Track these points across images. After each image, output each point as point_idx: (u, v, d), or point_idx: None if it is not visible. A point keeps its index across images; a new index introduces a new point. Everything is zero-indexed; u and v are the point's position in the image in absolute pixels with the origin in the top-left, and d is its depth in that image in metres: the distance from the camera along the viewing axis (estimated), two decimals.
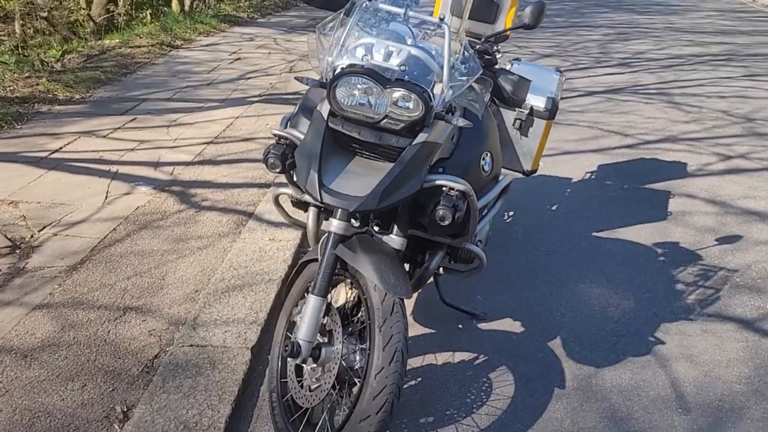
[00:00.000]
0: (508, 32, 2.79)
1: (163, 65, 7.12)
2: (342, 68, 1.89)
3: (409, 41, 1.98)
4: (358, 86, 1.86)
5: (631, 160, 4.88)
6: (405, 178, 1.89)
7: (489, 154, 2.22)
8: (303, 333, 2.00)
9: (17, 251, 3.19)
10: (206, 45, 8.31)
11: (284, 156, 2.04)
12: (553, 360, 2.63)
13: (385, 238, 2.15)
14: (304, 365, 2.09)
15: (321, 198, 1.88)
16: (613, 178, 4.49)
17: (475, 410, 2.35)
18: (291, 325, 2.28)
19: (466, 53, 1.97)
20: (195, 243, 3.36)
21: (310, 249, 2.29)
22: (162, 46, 7.85)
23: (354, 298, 2.16)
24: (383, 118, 1.88)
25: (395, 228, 2.16)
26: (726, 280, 3.21)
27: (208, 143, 4.82)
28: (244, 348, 2.57)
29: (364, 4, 1.98)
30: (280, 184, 2.55)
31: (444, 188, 1.97)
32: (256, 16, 10.88)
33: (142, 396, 2.30)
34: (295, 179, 2.39)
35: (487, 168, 2.20)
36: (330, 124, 1.96)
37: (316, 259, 2.17)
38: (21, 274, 3.01)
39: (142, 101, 5.73)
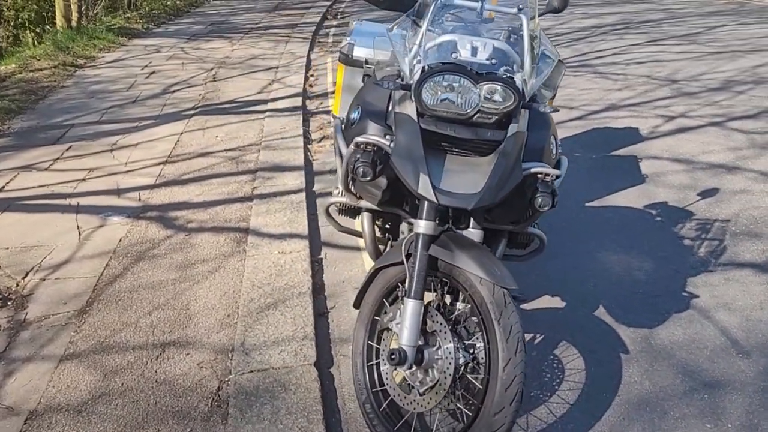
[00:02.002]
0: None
1: (74, 87, 6.68)
2: (430, 67, 1.88)
3: (486, 34, 2.01)
4: (451, 84, 1.86)
5: (586, 131, 5.14)
6: (511, 170, 1.92)
7: (553, 137, 2.28)
8: (406, 339, 1.99)
9: (9, 303, 2.92)
10: (112, 61, 7.87)
11: (374, 163, 1.99)
12: (606, 328, 2.75)
13: (465, 232, 2.16)
14: (407, 370, 2.07)
15: (438, 200, 1.86)
16: (580, 150, 4.72)
17: (557, 387, 2.42)
18: (371, 334, 2.25)
19: (542, 41, 2.01)
20: (203, 267, 3.21)
21: (386, 253, 2.26)
22: (65, 67, 7.36)
23: (440, 297, 2.15)
24: (476, 113, 1.89)
25: (472, 222, 2.18)
26: (724, 231, 3.48)
27: (163, 163, 4.59)
28: (308, 365, 2.50)
29: (440, 1, 1.97)
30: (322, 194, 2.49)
31: (540, 175, 2.01)
32: (150, 26, 10.42)
33: (226, 431, 2.19)
34: (351, 188, 2.36)
35: (554, 150, 2.26)
36: (422, 125, 1.94)
37: (391, 265, 2.16)
38: (25, 326, 2.75)
39: (70, 127, 5.36)
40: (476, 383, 1.98)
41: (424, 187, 1.86)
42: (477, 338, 2.03)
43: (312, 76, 7.33)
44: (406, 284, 2.04)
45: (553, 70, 2.55)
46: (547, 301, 2.95)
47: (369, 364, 2.24)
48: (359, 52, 3.08)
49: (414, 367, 2.05)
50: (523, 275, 3.14)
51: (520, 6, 1.95)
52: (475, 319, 2.04)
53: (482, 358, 2.01)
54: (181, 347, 2.62)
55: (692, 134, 4.94)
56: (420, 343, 2.06)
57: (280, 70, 7.37)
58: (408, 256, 2.08)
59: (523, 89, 1.89)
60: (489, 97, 1.86)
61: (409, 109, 1.97)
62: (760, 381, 2.42)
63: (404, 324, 2.00)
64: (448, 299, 2.13)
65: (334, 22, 11.27)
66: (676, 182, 4.10)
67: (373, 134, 2.11)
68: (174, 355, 2.58)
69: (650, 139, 4.87)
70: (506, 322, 1.90)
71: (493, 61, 1.91)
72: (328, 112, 5.98)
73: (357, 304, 2.33)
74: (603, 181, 4.17)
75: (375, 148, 2.02)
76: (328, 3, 13.14)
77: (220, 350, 2.60)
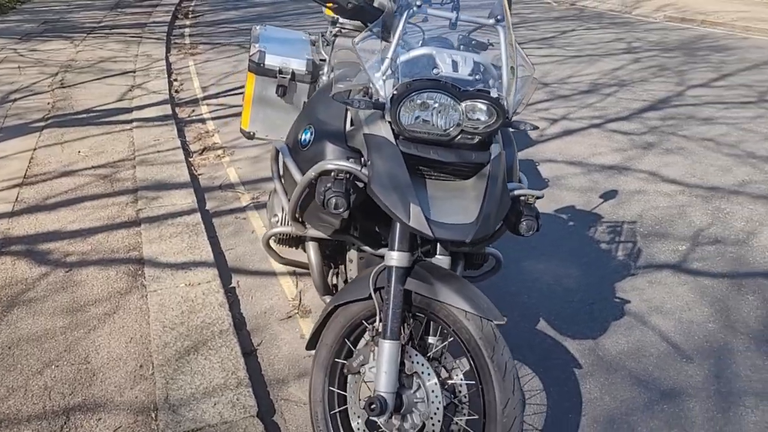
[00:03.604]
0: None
1: None
2: (408, 84, 1.70)
3: (461, 47, 1.87)
4: (433, 102, 1.69)
5: None
6: (501, 196, 1.78)
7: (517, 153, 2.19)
8: (384, 384, 1.80)
9: None
10: None
11: (348, 193, 1.76)
12: (553, 342, 2.72)
13: (433, 260, 2.00)
14: (378, 418, 1.87)
15: (433, 233, 1.67)
16: None
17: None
18: (332, 378, 2.03)
19: (519, 54, 1.89)
20: (96, 309, 2.78)
21: (345, 288, 2.04)
22: None
23: (416, 334, 1.97)
24: (458, 134, 1.74)
25: (439, 248, 2.02)
26: (634, 232, 3.62)
27: (18, 186, 4.00)
28: (250, 417, 2.22)
29: (412, 11, 1.79)
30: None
31: (523, 198, 1.90)
32: None
33: None
34: (299, 217, 2.13)
35: (518, 166, 2.16)
36: (402, 149, 1.75)
37: (350, 302, 1.95)
38: None
39: None
40: (466, 427, 1.83)
41: (416, 219, 1.67)
42: (458, 376, 1.89)
43: (176, 80, 6.82)
44: (379, 324, 1.85)
45: None
46: None
47: (332, 412, 2.02)
48: (272, 61, 2.84)
49: (391, 415, 1.85)
50: None
51: (499, 17, 1.83)
52: (451, 356, 1.90)
53: (465, 397, 1.88)
54: (90, 412, 2.22)
55: (578, 137, 5.15)
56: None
57: (138, 74, 6.78)
58: (376, 289, 1.88)
59: (506, 106, 1.77)
60: (471, 115, 1.72)
61: (383, 130, 1.77)
62: (709, 385, 2.49)
63: (381, 368, 1.80)
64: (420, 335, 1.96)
65: (187, 22, 10.66)
66: (576, 185, 4.23)
67: (334, 158, 1.89)
68: (82, 423, 2.18)
69: (541, 143, 5.01)
70: (500, 359, 1.77)
71: (477, 76, 1.77)
72: (203, 121, 5.57)
73: (311, 345, 2.09)
74: None
75: (348, 176, 1.80)
76: (175, 1, 12.42)
77: (139, 410, 2.24)
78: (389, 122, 1.76)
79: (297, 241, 2.45)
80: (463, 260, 2.23)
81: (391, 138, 1.75)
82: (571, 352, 2.66)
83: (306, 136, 2.05)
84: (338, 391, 2.02)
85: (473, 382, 1.82)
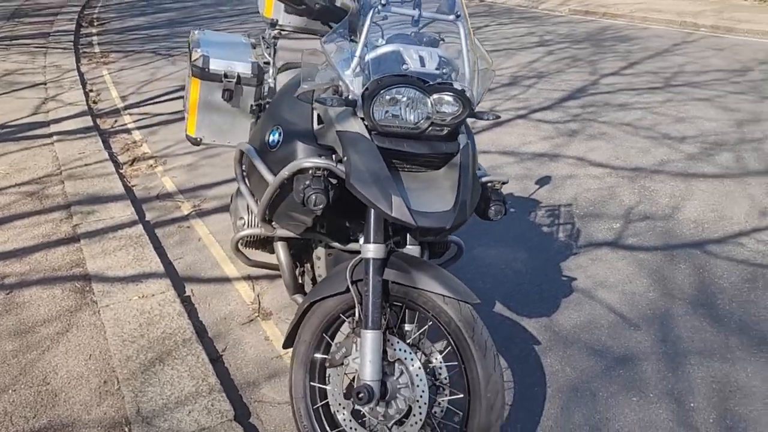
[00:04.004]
0: None
1: None
2: (379, 80, 1.76)
3: (423, 43, 1.94)
4: (404, 97, 1.76)
5: None
6: (473, 183, 1.87)
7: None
8: (369, 374, 1.85)
9: None
10: None
11: (326, 189, 1.81)
12: (511, 323, 2.85)
13: (405, 250, 2.08)
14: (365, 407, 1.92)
15: (416, 222, 1.74)
16: None
17: None
18: (312, 374, 2.06)
19: (477, 48, 1.98)
20: (46, 330, 2.69)
21: (319, 284, 2.07)
22: None
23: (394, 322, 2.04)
24: (429, 126, 1.82)
25: (408, 237, 2.10)
26: (571, 214, 3.82)
27: None
28: (228, 421, 2.22)
29: (377, 9, 1.84)
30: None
31: (489, 184, 2.00)
32: None
33: None
34: (267, 217, 2.15)
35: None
36: (377, 143, 1.81)
37: (326, 297, 2.00)
38: None
39: None
40: (449, 407, 1.92)
41: (399, 210, 1.73)
42: (437, 359, 1.96)
43: (92, 91, 6.59)
44: (360, 314, 1.91)
45: None
46: None
47: (315, 407, 2.05)
48: (216, 65, 2.83)
49: (377, 403, 1.91)
50: None
51: (458, 13, 1.91)
52: (428, 340, 1.98)
53: (446, 378, 1.95)
54: None
55: (507, 127, 5.36)
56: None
57: (50, 86, 6.51)
58: (353, 282, 1.94)
59: (471, 98, 1.86)
60: (439, 108, 1.80)
61: (356, 126, 1.82)
62: (657, 349, 2.68)
63: (365, 358, 1.86)
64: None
65: (94, 30, 10.30)
66: (512, 173, 4.40)
67: (306, 156, 1.94)
68: None
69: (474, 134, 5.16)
70: (479, 338, 1.86)
71: (444, 70, 1.85)
72: (128, 131, 5.43)
73: (289, 344, 2.12)
74: None
75: (326, 173, 1.84)
76: (77, 9, 11.96)
77: (111, 426, 2.20)
78: (361, 118, 1.81)
79: (263, 243, 2.46)
80: (427, 249, 2.31)
81: (365, 133, 1.81)
82: (529, 330, 2.80)
83: (274, 137, 2.08)
84: (319, 385, 2.05)
85: (454, 363, 1.90)
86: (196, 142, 2.98)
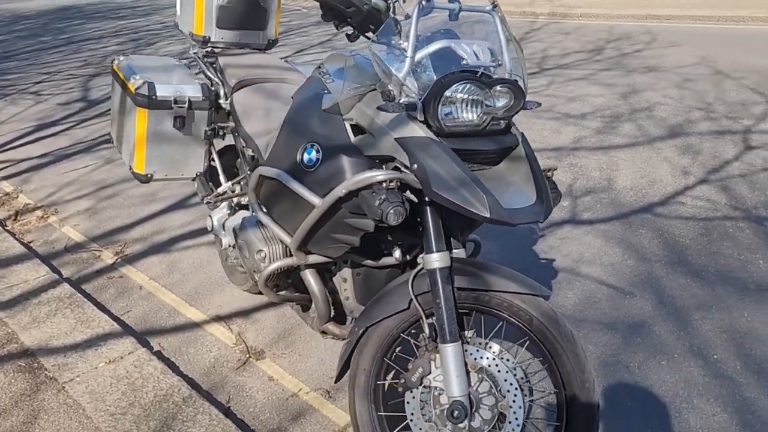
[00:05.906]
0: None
1: None
2: (440, 80, 1.67)
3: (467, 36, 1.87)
4: (463, 95, 1.68)
5: None
6: (541, 174, 1.83)
7: None
8: (457, 389, 1.78)
9: None
10: None
11: (404, 202, 1.69)
12: None
13: (454, 253, 2.00)
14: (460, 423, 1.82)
15: (514, 221, 1.66)
16: None
17: None
18: (378, 404, 1.94)
19: (513, 37, 1.95)
20: (9, 422, 2.29)
21: (373, 307, 1.94)
22: None
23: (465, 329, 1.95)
24: (490, 121, 1.75)
25: (453, 241, 2.03)
26: None
27: None
28: None
29: (421, 6, 1.75)
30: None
31: (546, 173, 1.97)
32: None
33: None
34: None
35: None
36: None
37: (381, 320, 1.89)
38: None
39: None
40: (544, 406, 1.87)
41: (495, 210, 1.64)
42: (515, 361, 1.91)
43: None
44: (429, 329, 1.84)
45: None
46: None
47: None
48: (164, 91, 2.60)
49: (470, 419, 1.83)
50: None
51: (495, 4, 1.87)
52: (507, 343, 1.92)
53: (533, 377, 1.91)
54: None
55: None
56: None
57: None
58: (416, 296, 1.84)
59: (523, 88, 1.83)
60: (498, 102, 1.75)
61: (420, 130, 1.72)
62: (659, 311, 2.81)
63: (450, 374, 1.78)
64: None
65: None
66: None
67: (358, 171, 1.81)
68: None
69: None
70: (564, 330, 1.83)
71: (499, 61, 1.79)
72: None
73: (341, 377, 1.96)
74: None
75: (399, 185, 1.72)
76: None
77: None
78: (421, 121, 1.71)
79: (286, 276, 2.26)
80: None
81: (433, 136, 1.71)
82: None
83: (310, 156, 1.93)
84: (391, 414, 1.92)
85: (540, 359, 1.85)
86: (145, 179, 2.70)
